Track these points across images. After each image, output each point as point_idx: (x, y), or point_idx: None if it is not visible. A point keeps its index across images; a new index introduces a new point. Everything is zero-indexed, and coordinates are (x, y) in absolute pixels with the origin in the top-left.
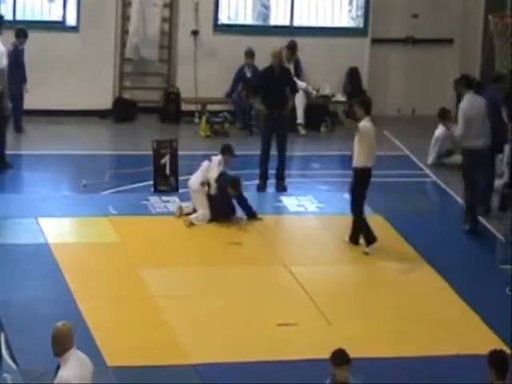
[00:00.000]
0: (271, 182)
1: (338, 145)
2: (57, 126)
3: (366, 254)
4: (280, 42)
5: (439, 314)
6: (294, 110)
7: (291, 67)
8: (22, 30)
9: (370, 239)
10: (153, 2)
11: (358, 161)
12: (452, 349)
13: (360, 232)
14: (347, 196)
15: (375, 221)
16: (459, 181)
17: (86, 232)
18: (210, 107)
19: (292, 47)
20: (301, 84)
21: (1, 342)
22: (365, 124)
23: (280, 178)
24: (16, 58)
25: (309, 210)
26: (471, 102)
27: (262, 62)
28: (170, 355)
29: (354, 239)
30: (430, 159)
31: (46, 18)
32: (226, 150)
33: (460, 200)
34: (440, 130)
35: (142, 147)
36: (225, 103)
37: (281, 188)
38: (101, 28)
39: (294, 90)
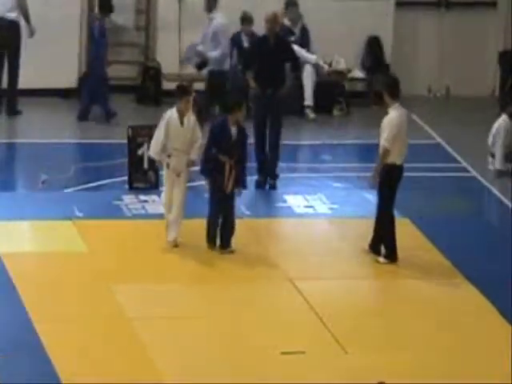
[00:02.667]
0: None
1: (356, 131)
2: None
3: (378, 262)
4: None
5: (478, 340)
6: (300, 88)
7: (297, 32)
8: (108, 3)
9: (392, 255)
10: None
11: None
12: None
13: (382, 239)
14: (367, 194)
15: (401, 225)
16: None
17: (46, 239)
18: (197, 85)
19: (291, 2)
20: (310, 57)
21: None
22: (393, 115)
23: (270, 175)
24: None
25: (319, 211)
26: None
27: (262, 28)
28: None
29: (373, 247)
30: (497, 163)
31: None
32: None
33: (506, 200)
34: (502, 122)
35: (115, 134)
36: None
37: (270, 186)
38: None
39: (296, 66)
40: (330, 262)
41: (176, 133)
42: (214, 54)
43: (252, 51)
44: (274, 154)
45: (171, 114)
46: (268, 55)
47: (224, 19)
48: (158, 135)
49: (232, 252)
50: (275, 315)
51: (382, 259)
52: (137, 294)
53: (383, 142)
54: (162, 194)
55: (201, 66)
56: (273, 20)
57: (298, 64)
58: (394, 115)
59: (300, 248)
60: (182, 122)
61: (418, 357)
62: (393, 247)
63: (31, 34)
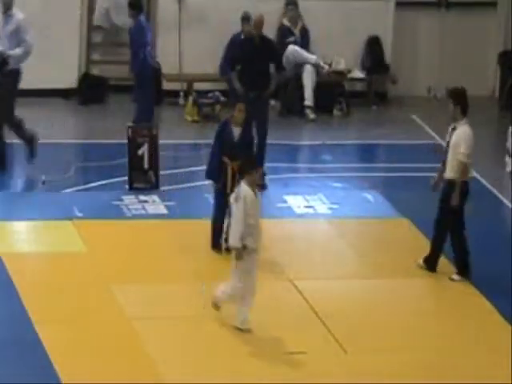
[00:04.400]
0: (271, 178)
1: (355, 131)
2: None
3: (452, 279)
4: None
5: (478, 340)
6: (300, 89)
7: (297, 32)
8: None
9: (466, 270)
10: None
11: (451, 171)
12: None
13: (438, 255)
14: (367, 194)
15: (401, 225)
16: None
17: (46, 239)
18: (197, 86)
19: (291, 2)
20: (310, 57)
21: None
22: (466, 130)
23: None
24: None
25: (319, 211)
26: None
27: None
28: None
29: (430, 263)
30: (510, 166)
31: None
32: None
33: (507, 202)
34: None
35: (115, 134)
36: (216, 81)
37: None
38: None
39: (280, 67)
40: (330, 261)
41: (253, 208)
42: (17, 51)
43: (236, 51)
44: (260, 155)
45: (246, 192)
46: (253, 56)
47: (23, 15)
48: (239, 220)
49: None
50: (275, 315)
51: (456, 276)
52: (137, 294)
53: (462, 157)
54: (235, 284)
55: (0, 66)
56: (260, 23)
57: (282, 65)
58: (468, 130)
59: (300, 248)
60: (256, 195)
61: (418, 357)
62: (467, 263)
63: None
